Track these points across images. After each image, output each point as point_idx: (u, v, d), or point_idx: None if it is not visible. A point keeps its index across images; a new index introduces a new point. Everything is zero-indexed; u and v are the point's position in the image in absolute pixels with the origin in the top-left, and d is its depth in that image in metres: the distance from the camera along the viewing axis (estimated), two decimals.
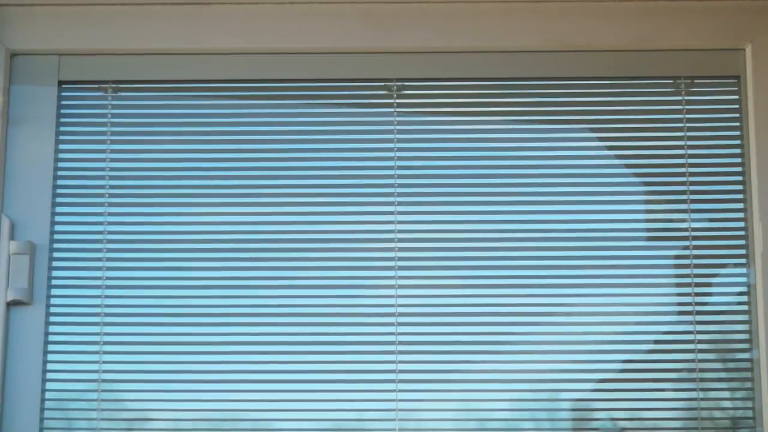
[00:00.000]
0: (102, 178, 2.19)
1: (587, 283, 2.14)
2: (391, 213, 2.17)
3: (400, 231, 2.17)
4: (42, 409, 2.09)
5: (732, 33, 2.20)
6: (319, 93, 2.22)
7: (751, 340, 2.12)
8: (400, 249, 2.16)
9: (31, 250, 2.12)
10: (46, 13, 2.20)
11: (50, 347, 2.12)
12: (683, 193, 2.18)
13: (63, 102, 2.21)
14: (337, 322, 2.13)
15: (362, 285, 2.16)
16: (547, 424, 2.12)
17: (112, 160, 2.20)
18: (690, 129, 2.20)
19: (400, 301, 2.14)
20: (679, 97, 2.21)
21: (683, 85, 2.21)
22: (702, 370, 2.11)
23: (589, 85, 2.22)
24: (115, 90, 2.22)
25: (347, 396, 2.11)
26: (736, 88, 2.21)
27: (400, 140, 2.20)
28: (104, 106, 2.22)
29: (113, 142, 2.21)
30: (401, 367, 2.11)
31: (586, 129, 2.21)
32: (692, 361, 2.11)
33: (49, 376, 2.12)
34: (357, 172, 2.19)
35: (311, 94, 2.22)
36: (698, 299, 2.14)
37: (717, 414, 2.11)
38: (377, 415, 2.11)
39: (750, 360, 2.12)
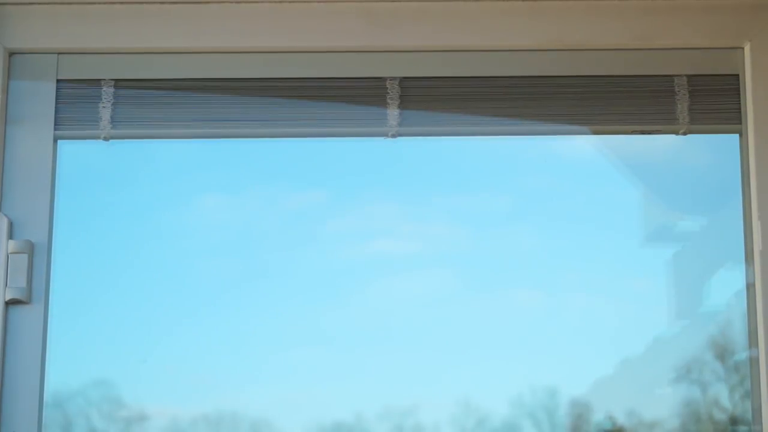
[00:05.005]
0: None
1: (587, 282, 2.15)
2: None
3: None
4: (41, 409, 2.10)
5: (731, 31, 2.20)
6: (319, 92, 2.22)
7: (750, 340, 2.13)
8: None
9: (30, 249, 2.12)
10: (44, 11, 2.19)
11: (49, 346, 2.13)
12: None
13: (61, 100, 2.21)
14: None
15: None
16: (546, 425, 2.13)
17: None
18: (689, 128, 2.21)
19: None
20: (678, 96, 2.21)
21: (682, 83, 2.21)
22: (701, 370, 2.12)
23: (587, 83, 2.22)
24: (114, 88, 2.22)
25: None
26: (735, 86, 2.21)
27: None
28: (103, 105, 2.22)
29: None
30: None
31: (584, 128, 2.21)
32: (692, 360, 2.12)
33: (48, 375, 2.12)
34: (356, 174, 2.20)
35: (310, 93, 2.22)
36: (698, 298, 2.14)
37: (716, 413, 2.12)
38: None
39: (749, 359, 2.13)
